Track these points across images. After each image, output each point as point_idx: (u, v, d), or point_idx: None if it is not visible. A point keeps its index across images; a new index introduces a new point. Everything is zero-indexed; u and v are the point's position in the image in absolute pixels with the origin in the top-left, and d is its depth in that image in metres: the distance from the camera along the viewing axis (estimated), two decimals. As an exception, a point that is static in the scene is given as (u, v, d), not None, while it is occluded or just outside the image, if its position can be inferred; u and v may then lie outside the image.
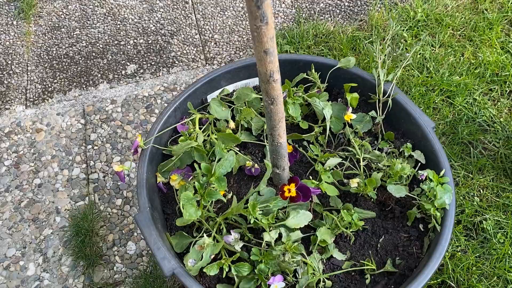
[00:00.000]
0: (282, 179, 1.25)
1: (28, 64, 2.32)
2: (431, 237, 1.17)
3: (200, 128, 1.30)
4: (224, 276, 1.14)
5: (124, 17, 2.42)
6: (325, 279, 1.15)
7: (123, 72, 2.24)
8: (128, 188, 1.95)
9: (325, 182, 1.20)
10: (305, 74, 1.34)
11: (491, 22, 2.14)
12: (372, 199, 1.24)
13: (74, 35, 2.40)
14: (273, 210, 1.18)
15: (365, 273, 1.17)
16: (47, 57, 2.34)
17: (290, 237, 1.14)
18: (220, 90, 1.40)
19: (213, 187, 1.13)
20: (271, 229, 1.15)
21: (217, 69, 1.38)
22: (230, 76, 1.39)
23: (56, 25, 2.44)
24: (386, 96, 1.28)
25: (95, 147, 2.05)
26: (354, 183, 1.21)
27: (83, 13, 2.46)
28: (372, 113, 1.32)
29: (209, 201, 1.11)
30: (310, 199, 1.23)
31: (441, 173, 1.14)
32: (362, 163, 1.26)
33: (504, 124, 1.86)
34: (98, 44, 2.34)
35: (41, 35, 2.42)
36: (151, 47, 2.31)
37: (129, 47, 2.32)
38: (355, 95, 1.31)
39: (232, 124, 1.29)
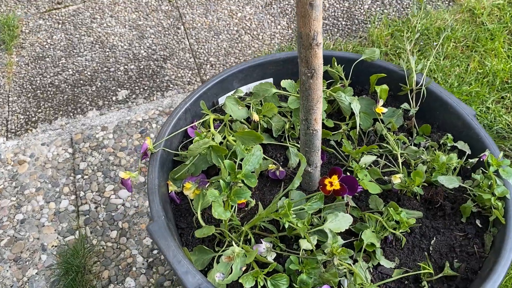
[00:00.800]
0: (313, 180, 1.09)
1: (10, 95, 2.15)
2: (493, 232, 1.02)
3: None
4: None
5: (113, 44, 2.31)
6: (375, 290, 0.98)
7: (113, 98, 2.10)
8: (124, 218, 1.75)
9: (365, 179, 1.05)
10: (328, 66, 1.22)
11: (492, 33, 2.11)
12: (417, 198, 1.10)
13: (60, 64, 2.26)
14: (308, 213, 1.01)
15: (421, 279, 1.00)
16: (30, 87, 2.18)
17: (337, 238, 0.97)
18: (232, 92, 1.27)
19: (240, 186, 0.97)
20: (308, 235, 0.98)
21: (229, 69, 1.25)
22: (243, 76, 1.27)
23: (40, 55, 2.31)
24: (419, 86, 1.17)
25: (85, 177, 1.86)
26: (396, 179, 1.07)
27: (69, 42, 2.34)
28: (405, 105, 1.20)
29: (236, 202, 0.95)
30: (347, 203, 1.07)
31: (500, 155, 1.01)
32: (400, 159, 1.12)
33: (523, 130, 1.78)
34: (85, 72, 2.20)
35: (23, 65, 2.28)
36: (143, 72, 2.18)
37: (119, 73, 2.19)
38: (385, 86, 1.19)
39: (256, 116, 1.15)
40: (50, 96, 2.13)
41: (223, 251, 0.99)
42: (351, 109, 1.20)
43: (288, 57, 1.28)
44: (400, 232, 1.02)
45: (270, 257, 1.01)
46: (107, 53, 2.26)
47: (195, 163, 1.11)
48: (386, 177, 1.11)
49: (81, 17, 2.46)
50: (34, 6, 2.54)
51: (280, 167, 1.15)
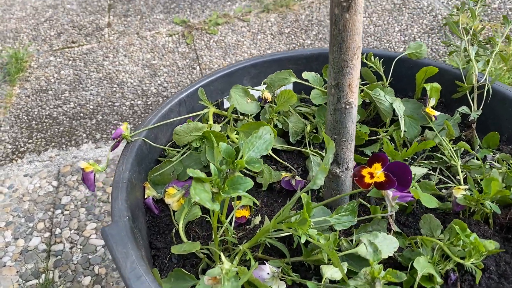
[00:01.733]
0: (342, 189, 0.79)
1: (2, 125, 1.95)
2: None
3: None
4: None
5: (122, 80, 2.14)
6: None
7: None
8: (102, 262, 1.43)
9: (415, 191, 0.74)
10: (365, 58, 0.97)
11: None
12: (489, 222, 0.77)
13: (62, 97, 2.09)
14: (335, 228, 0.70)
15: (508, 338, 0.65)
16: (26, 118, 1.99)
17: (379, 254, 0.64)
18: (241, 91, 1.01)
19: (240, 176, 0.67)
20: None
21: (240, 62, 1.01)
22: (256, 72, 1.02)
23: (44, 88, 2.15)
24: (481, 82, 0.90)
25: (66, 212, 1.57)
26: (460, 191, 0.76)
27: (76, 78, 2.19)
28: (463, 108, 0.91)
29: (231, 194, 0.64)
30: (390, 218, 0.76)
31: None
32: (461, 174, 0.82)
33: None
34: (88, 105, 2.01)
35: (24, 97, 2.11)
36: (150, 107, 1.98)
37: (124, 107, 1.99)
38: (436, 84, 0.92)
39: (267, 94, 0.88)
40: (45, 127, 1.93)
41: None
42: (393, 111, 0.92)
43: (313, 54, 1.03)
44: (472, 263, 0.68)
45: (280, 287, 0.68)
46: (114, 89, 2.09)
47: (184, 161, 0.83)
48: (444, 191, 0.80)
49: (93, 55, 2.33)
50: (48, 44, 2.44)
51: (297, 176, 0.85)
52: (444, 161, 0.86)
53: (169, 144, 0.92)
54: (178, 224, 0.77)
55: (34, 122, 1.95)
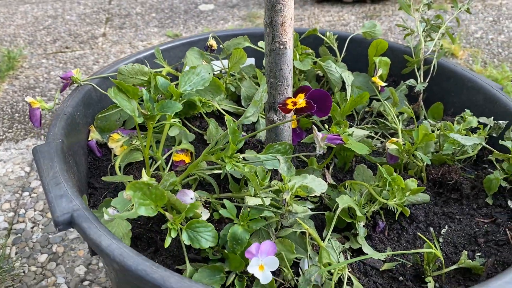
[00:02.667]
0: (281, 137, 0.80)
1: (-15, 115, 1.99)
2: None
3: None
4: (166, 248, 0.61)
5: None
6: (351, 277, 0.62)
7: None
8: (61, 242, 1.42)
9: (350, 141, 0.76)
10: (317, 31, 1.00)
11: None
12: (422, 177, 0.78)
13: (48, 94, 2.13)
14: (264, 163, 0.71)
15: (424, 274, 0.64)
16: (9, 111, 2.03)
17: (292, 173, 0.65)
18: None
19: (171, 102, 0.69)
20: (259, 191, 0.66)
21: (204, 33, 1.05)
22: (218, 44, 1.06)
23: (32, 86, 2.20)
24: (427, 54, 0.93)
25: (33, 195, 1.58)
26: (392, 143, 0.77)
27: (64, 78, 2.24)
28: (411, 81, 0.94)
29: (159, 113, 0.66)
30: (323, 171, 0.77)
31: None
32: (401, 135, 0.83)
33: None
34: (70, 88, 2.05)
35: (11, 92, 2.16)
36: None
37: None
38: (385, 58, 0.95)
39: (212, 42, 0.90)
40: (27, 119, 1.96)
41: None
42: (342, 82, 0.95)
43: (273, 32, 1.07)
44: (396, 219, 0.68)
45: (204, 215, 0.68)
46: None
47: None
48: (378, 146, 0.81)
49: (84, 60, 2.40)
50: (43, 48, 2.52)
51: (241, 129, 0.87)
52: (388, 127, 0.88)
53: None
54: (118, 165, 0.78)
55: (17, 114, 1.98)
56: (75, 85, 0.87)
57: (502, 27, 2.54)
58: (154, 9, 2.87)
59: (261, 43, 0.98)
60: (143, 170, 0.65)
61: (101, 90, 0.88)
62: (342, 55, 1.02)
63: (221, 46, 0.98)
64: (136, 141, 0.82)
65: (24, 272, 1.32)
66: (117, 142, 0.83)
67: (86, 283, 1.28)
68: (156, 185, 0.56)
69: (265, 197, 0.66)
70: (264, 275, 0.57)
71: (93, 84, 0.87)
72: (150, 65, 0.99)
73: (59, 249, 1.39)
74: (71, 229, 1.45)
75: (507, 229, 0.67)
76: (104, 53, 2.45)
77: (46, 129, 1.88)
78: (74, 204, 0.59)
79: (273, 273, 0.63)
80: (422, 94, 0.94)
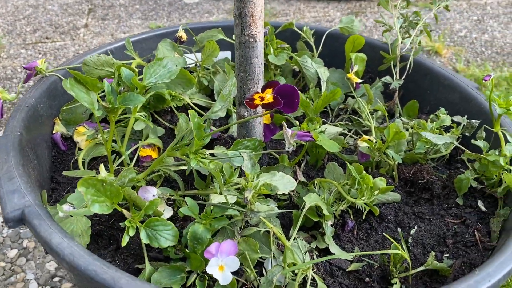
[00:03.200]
0: (251, 133, 0.78)
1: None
2: (504, 214, 0.66)
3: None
4: (125, 247, 0.59)
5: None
6: (315, 278, 0.60)
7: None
8: (32, 237, 1.38)
9: (321, 138, 0.74)
10: (293, 25, 0.98)
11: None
12: (394, 176, 0.77)
13: (26, 85, 2.09)
14: (232, 160, 0.69)
15: (391, 276, 0.62)
16: (-15, 101, 1.97)
17: (257, 170, 0.63)
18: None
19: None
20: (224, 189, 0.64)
21: (177, 25, 1.02)
22: (191, 36, 1.03)
23: (9, 76, 2.15)
24: (404, 51, 0.91)
25: (5, 188, 1.53)
26: (363, 141, 0.75)
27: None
28: (386, 78, 0.92)
29: (121, 108, 0.64)
30: (295, 169, 0.75)
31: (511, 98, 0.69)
32: (374, 132, 0.82)
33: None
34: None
35: (-14, 83, 2.11)
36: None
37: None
38: (361, 54, 0.94)
39: (182, 33, 0.88)
40: (4, 110, 1.91)
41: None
42: (318, 77, 0.93)
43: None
44: (364, 218, 0.67)
45: (167, 213, 0.66)
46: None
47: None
48: (351, 143, 0.80)
49: (65, 51, 2.35)
50: (22, 38, 2.46)
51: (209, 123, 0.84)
52: (362, 124, 0.86)
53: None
54: (82, 160, 0.75)
55: (-8, 105, 1.93)
56: (40, 76, 0.84)
57: (486, 27, 2.54)
58: (138, 1, 2.82)
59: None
60: (101, 165, 0.62)
61: (64, 86, 0.85)
62: (319, 51, 1.00)
63: (194, 38, 0.95)
64: (101, 135, 0.79)
65: (-8, 267, 1.29)
66: (82, 136, 0.81)
67: (56, 279, 1.25)
68: (111, 181, 0.54)
69: (229, 195, 0.64)
70: (224, 276, 0.55)
71: (58, 75, 0.84)
72: (121, 57, 0.96)
73: (30, 244, 1.35)
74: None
75: (475, 230, 0.66)
76: (85, 45, 2.40)
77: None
78: (27, 200, 0.56)
79: (236, 273, 0.61)
80: (398, 91, 0.93)
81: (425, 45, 2.27)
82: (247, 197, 0.58)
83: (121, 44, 0.95)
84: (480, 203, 0.70)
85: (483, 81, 0.69)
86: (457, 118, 0.81)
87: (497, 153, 0.69)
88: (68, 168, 0.80)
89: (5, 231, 1.40)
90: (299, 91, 0.67)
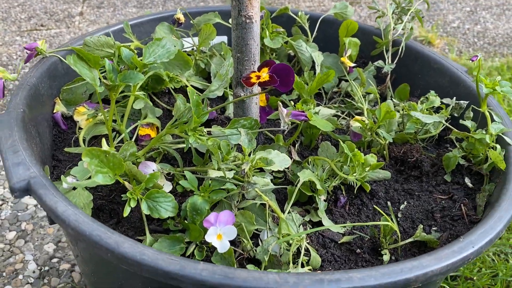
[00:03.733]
0: (248, 113, 0.81)
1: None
2: (489, 189, 0.70)
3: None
4: (127, 218, 0.61)
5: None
6: (309, 248, 0.63)
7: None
8: (30, 220, 1.40)
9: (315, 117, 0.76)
10: (288, 9, 1.00)
11: None
12: (385, 155, 0.79)
13: (22, 72, 2.09)
14: (229, 137, 0.71)
15: (382, 247, 0.65)
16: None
17: (253, 145, 0.66)
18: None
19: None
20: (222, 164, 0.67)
21: (174, 10, 1.04)
22: (188, 20, 1.05)
23: (4, 63, 2.16)
24: (395, 36, 0.94)
25: (2, 173, 1.55)
26: (355, 122, 0.78)
27: (39, 56, 2.20)
28: (379, 62, 0.95)
29: (122, 85, 0.66)
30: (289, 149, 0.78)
31: (497, 78, 0.72)
32: (366, 114, 0.84)
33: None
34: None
35: (-17, 69, 2.11)
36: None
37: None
38: (354, 39, 0.96)
39: (180, 15, 0.90)
40: (-2, 97, 1.92)
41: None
42: (312, 61, 0.95)
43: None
44: (356, 195, 0.69)
45: (167, 187, 0.68)
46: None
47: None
48: (343, 124, 0.82)
49: (60, 38, 2.36)
50: (17, 25, 2.46)
51: (206, 103, 0.86)
52: (354, 107, 0.89)
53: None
54: (82, 138, 0.77)
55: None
56: (41, 56, 0.86)
57: (479, 17, 2.57)
58: (133, -11, 2.81)
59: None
60: (103, 139, 0.64)
61: (67, 62, 0.87)
62: (314, 35, 1.03)
63: (191, 21, 0.97)
64: (101, 114, 0.81)
65: (-9, 249, 1.31)
66: (82, 115, 0.83)
67: (54, 260, 1.28)
68: (114, 153, 0.56)
69: (226, 168, 0.67)
70: (222, 244, 0.58)
71: (59, 56, 0.86)
72: (119, 40, 0.98)
73: (28, 227, 1.38)
74: (40, 208, 1.43)
75: (462, 205, 0.69)
76: (80, 32, 2.41)
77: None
78: (32, 171, 0.58)
79: (233, 243, 0.64)
80: (390, 75, 0.95)
81: (418, 35, 2.30)
82: (244, 169, 0.60)
83: (119, 27, 0.97)
84: (467, 180, 0.73)
85: (470, 61, 0.71)
86: (446, 100, 0.84)
87: (483, 131, 0.72)
88: (68, 146, 0.82)
89: (3, 214, 1.42)
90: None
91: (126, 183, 0.60)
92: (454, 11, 2.64)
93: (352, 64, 0.93)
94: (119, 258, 0.49)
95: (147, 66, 0.70)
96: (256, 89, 0.79)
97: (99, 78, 0.66)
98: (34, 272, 1.24)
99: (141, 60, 0.71)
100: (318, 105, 0.92)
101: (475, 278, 1.16)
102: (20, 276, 1.23)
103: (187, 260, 0.49)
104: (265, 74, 0.66)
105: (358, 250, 0.66)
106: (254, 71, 0.68)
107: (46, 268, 1.25)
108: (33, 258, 1.28)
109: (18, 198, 0.56)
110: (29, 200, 1.45)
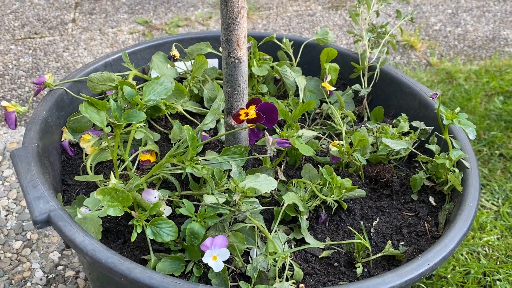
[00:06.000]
0: (237, 140, 0.90)
1: (-46, 103, 2.00)
2: (450, 208, 0.80)
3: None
4: (133, 241, 0.71)
5: (67, 75, 2.23)
6: (292, 264, 0.73)
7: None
8: (35, 229, 1.49)
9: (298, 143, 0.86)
10: (274, 37, 1.09)
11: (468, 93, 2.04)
12: (360, 175, 0.89)
13: (18, 82, 2.16)
14: (221, 164, 0.81)
15: (356, 260, 0.75)
16: (-22, 99, 2.05)
17: (243, 176, 0.75)
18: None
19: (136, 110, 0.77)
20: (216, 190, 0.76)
21: (169, 36, 1.13)
22: (183, 46, 1.14)
23: (0, 73, 2.22)
24: (371, 62, 1.03)
25: (6, 184, 1.63)
26: (334, 146, 0.88)
27: (34, 65, 2.27)
28: (356, 86, 1.05)
29: (124, 123, 0.75)
30: (276, 170, 0.87)
31: (456, 110, 0.82)
32: (344, 136, 0.94)
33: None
34: (43, 91, 2.08)
35: (-21, 80, 2.17)
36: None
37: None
38: (334, 64, 1.05)
39: (175, 52, 0.99)
40: (-3, 108, 1.99)
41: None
42: (296, 86, 1.04)
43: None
44: (334, 212, 0.79)
45: (166, 211, 0.77)
46: (59, 81, 2.18)
47: (102, 112, 0.93)
48: (324, 146, 0.92)
49: (54, 46, 2.42)
50: (11, 34, 2.52)
51: (204, 132, 0.96)
52: (334, 128, 0.98)
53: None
54: (89, 163, 0.86)
55: (-13, 102, 2.01)
56: (48, 89, 0.94)
57: (460, 20, 2.67)
58: (124, -5, 2.87)
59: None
60: (112, 174, 0.73)
61: (72, 93, 0.95)
62: (298, 60, 1.12)
63: (184, 51, 1.06)
64: (105, 142, 0.90)
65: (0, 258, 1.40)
66: (88, 142, 0.91)
67: (60, 267, 1.37)
68: (122, 189, 0.65)
69: (219, 197, 0.76)
70: (217, 264, 0.67)
71: (64, 88, 0.94)
72: (118, 68, 1.07)
73: (33, 236, 1.46)
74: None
75: (426, 222, 0.79)
76: (74, 40, 2.47)
77: (18, 118, 1.92)
78: (51, 205, 0.67)
79: (226, 261, 0.73)
80: (366, 97, 1.05)
81: (401, 39, 2.40)
82: (235, 199, 0.70)
83: (118, 56, 1.05)
84: (431, 199, 0.83)
85: (431, 98, 0.81)
86: (416, 123, 0.93)
87: (446, 156, 0.82)
88: (76, 172, 0.91)
89: (9, 224, 1.50)
90: (278, 101, 0.78)
91: (133, 212, 0.70)
92: (437, 14, 2.73)
93: (332, 88, 1.03)
94: (131, 282, 0.58)
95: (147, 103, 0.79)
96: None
97: (106, 118, 0.74)
98: (41, 279, 1.33)
99: (141, 98, 0.80)
100: (302, 126, 1.02)
101: (449, 276, 1.27)
102: (29, 284, 1.32)
103: (190, 283, 0.58)
104: (252, 112, 0.75)
105: (336, 264, 0.76)
106: (243, 108, 0.77)
107: (52, 275, 1.34)
108: (40, 266, 1.37)
109: (40, 229, 0.65)
110: (32, 210, 1.53)
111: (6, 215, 1.52)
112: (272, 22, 2.64)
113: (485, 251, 1.38)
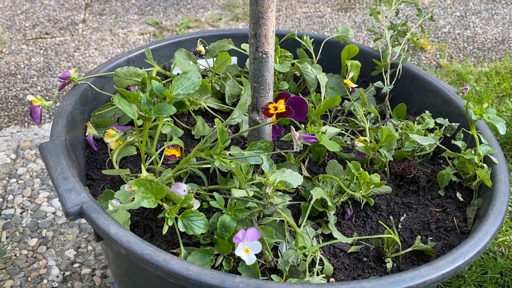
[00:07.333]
0: (261, 136, 0.90)
1: (-34, 102, 2.01)
2: (478, 203, 0.80)
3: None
4: (161, 235, 0.71)
5: (90, 70, 2.23)
6: (322, 259, 0.73)
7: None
8: (50, 227, 1.49)
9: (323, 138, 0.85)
10: (295, 35, 1.10)
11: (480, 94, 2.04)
12: (385, 171, 0.89)
13: (30, 81, 2.17)
14: (248, 159, 0.81)
15: (384, 256, 0.75)
16: (-9, 98, 2.05)
17: (274, 169, 0.75)
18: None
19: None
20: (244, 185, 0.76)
21: (190, 33, 1.13)
22: (204, 44, 1.14)
23: (13, 72, 2.23)
24: (394, 59, 1.03)
25: (20, 181, 1.63)
26: (360, 142, 0.88)
27: (45, 65, 2.27)
28: (378, 83, 1.04)
29: (154, 115, 0.75)
30: (300, 166, 0.87)
31: (484, 105, 0.82)
32: (368, 133, 0.94)
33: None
34: (54, 90, 2.09)
35: (-8, 79, 2.18)
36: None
37: (89, 94, 2.07)
38: (356, 62, 1.06)
39: (201, 48, 0.99)
40: (9, 106, 2.00)
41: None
42: (318, 82, 1.04)
43: (254, 33, 1.16)
44: (362, 208, 0.79)
45: (195, 205, 0.77)
46: (82, 76, 2.18)
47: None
48: (348, 143, 0.92)
49: (65, 46, 2.43)
50: (22, 34, 2.53)
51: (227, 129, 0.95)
52: (357, 125, 0.98)
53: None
54: (113, 157, 0.86)
55: (-1, 101, 2.01)
56: (72, 84, 0.94)
57: (469, 22, 2.67)
58: (134, -4, 2.88)
59: (244, 45, 1.06)
60: (143, 167, 0.73)
61: (96, 88, 0.95)
62: (318, 57, 1.12)
63: (207, 47, 1.06)
64: (130, 137, 0.90)
65: (15, 255, 1.39)
66: (112, 137, 0.91)
67: (76, 265, 1.37)
68: (157, 181, 0.65)
69: (250, 189, 0.76)
70: (249, 257, 0.67)
71: (89, 83, 0.94)
72: (140, 64, 1.07)
73: (49, 234, 1.46)
74: (59, 215, 1.52)
75: (454, 217, 0.79)
76: (84, 40, 2.47)
77: (28, 117, 1.92)
78: (83, 197, 0.67)
79: (256, 255, 0.73)
80: (388, 95, 1.05)
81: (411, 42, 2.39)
82: (267, 192, 0.70)
83: (140, 52, 1.06)
84: (458, 194, 0.83)
85: (461, 93, 0.81)
86: (439, 120, 0.93)
87: (473, 152, 0.81)
88: (100, 166, 0.91)
89: (24, 222, 1.50)
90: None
91: (165, 205, 0.69)
92: (445, 16, 2.74)
93: (354, 85, 1.03)
94: (167, 274, 0.58)
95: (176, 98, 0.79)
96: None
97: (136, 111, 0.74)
98: (57, 276, 1.33)
99: (170, 91, 0.80)
100: (323, 123, 1.02)
101: (466, 276, 1.26)
102: (45, 281, 1.32)
103: (226, 274, 0.58)
104: (282, 106, 0.75)
105: (365, 259, 0.76)
106: (271, 102, 0.77)
107: (68, 272, 1.34)
108: (56, 263, 1.37)
109: (72, 220, 0.65)
110: (47, 208, 1.53)
111: (21, 213, 1.51)
112: (281, 23, 2.65)
113: (502, 251, 1.38)
